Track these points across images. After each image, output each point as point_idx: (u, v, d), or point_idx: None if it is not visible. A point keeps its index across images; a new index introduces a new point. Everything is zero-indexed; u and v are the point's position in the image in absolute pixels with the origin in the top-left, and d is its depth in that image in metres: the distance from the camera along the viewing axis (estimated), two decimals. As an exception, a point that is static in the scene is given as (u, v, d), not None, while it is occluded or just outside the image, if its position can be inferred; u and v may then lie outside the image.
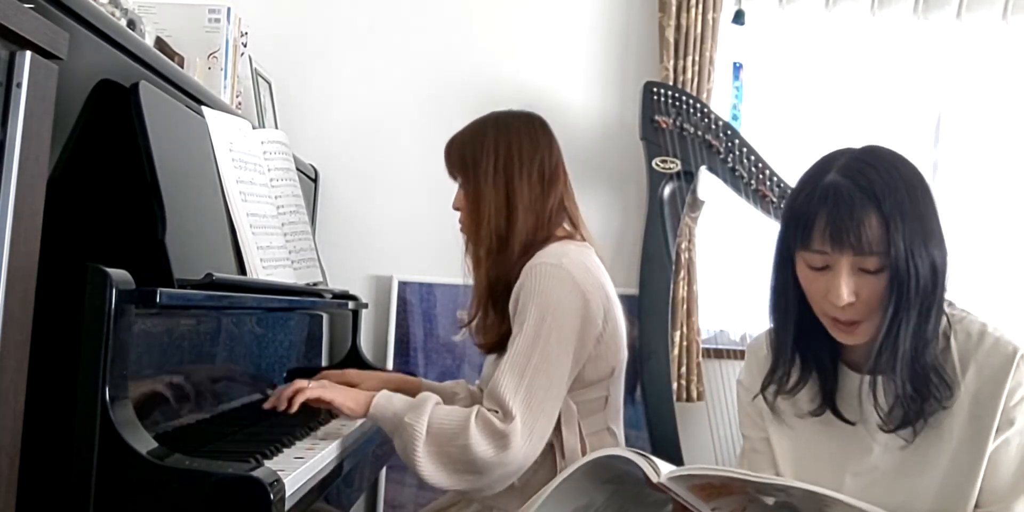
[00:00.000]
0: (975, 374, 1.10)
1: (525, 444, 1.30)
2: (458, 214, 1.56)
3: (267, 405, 1.36)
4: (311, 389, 1.36)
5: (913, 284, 1.05)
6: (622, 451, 1.00)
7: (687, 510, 1.04)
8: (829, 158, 1.12)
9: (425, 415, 1.30)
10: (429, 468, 1.30)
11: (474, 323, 1.54)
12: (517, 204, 1.48)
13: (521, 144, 1.50)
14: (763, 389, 1.21)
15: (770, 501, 1.02)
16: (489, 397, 1.34)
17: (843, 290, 1.05)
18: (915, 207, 1.06)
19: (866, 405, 1.14)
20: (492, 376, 1.51)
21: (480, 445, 1.28)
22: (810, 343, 1.16)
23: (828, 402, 1.17)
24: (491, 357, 1.56)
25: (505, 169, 1.49)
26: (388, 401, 1.35)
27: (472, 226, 1.52)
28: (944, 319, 1.11)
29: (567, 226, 1.54)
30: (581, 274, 1.41)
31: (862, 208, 1.04)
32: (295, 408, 1.35)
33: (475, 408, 1.33)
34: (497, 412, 1.31)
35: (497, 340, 1.49)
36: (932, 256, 1.06)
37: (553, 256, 1.42)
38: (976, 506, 1.10)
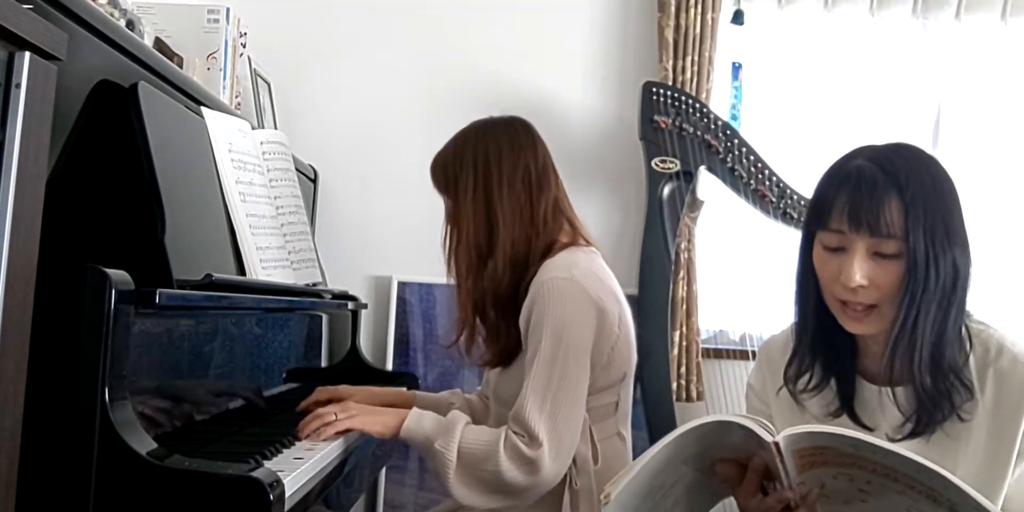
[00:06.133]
0: (993, 391, 1.08)
1: (553, 464, 1.31)
2: None
3: (303, 436, 1.34)
4: (340, 421, 1.34)
5: (933, 277, 1.03)
6: (733, 417, 0.99)
7: (761, 485, 1.03)
8: (859, 149, 1.13)
9: (455, 440, 1.30)
10: (462, 491, 1.30)
11: (461, 342, 1.51)
12: (498, 218, 1.44)
13: (501, 153, 1.46)
14: (786, 381, 1.19)
15: (863, 478, 0.99)
16: (514, 421, 1.33)
17: (855, 270, 1.05)
18: (940, 202, 1.06)
19: (880, 415, 1.14)
20: (497, 386, 1.51)
21: (511, 471, 1.29)
22: (829, 347, 1.15)
23: (846, 407, 1.16)
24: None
25: (485, 182, 1.45)
26: (418, 424, 1.34)
27: (453, 243, 1.50)
28: (964, 330, 1.09)
29: (567, 230, 1.50)
30: (593, 284, 1.38)
31: (884, 190, 1.04)
32: (323, 437, 1.33)
33: (503, 431, 1.32)
34: (524, 437, 1.31)
35: (497, 356, 1.48)
36: (954, 255, 1.05)
37: (562, 269, 1.38)
38: None
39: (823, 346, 1.16)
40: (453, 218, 1.50)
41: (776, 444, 0.95)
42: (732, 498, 1.11)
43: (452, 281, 1.52)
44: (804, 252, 1.14)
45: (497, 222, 1.44)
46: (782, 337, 1.26)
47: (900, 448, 0.91)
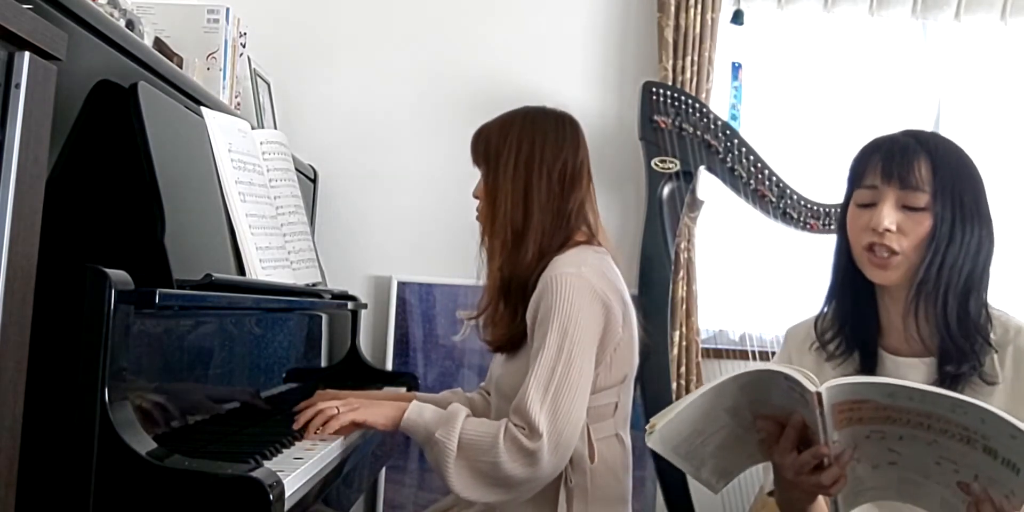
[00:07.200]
0: (1012, 367, 1.16)
1: (552, 458, 1.31)
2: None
3: (296, 427, 1.35)
4: (343, 414, 1.35)
5: (958, 236, 1.14)
6: (779, 366, 1.03)
7: (797, 445, 1.06)
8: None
9: (456, 430, 1.31)
10: (461, 482, 1.31)
11: (483, 317, 1.54)
12: (534, 201, 1.47)
13: (545, 142, 1.49)
14: (818, 336, 1.27)
15: (895, 434, 1.01)
16: (516, 413, 1.33)
17: (884, 215, 1.14)
18: (967, 174, 1.16)
19: None
20: (500, 377, 1.51)
21: (509, 463, 1.29)
22: (855, 316, 1.23)
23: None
24: (499, 357, 1.55)
25: (526, 165, 1.48)
26: (419, 415, 1.35)
27: (488, 217, 1.51)
28: (984, 313, 1.18)
29: (586, 231, 1.52)
30: (600, 282, 1.40)
31: (915, 151, 1.16)
32: (329, 432, 1.34)
33: (503, 424, 1.32)
34: (524, 429, 1.31)
35: (506, 338, 1.49)
36: (980, 232, 1.15)
37: (572, 264, 1.40)
38: None
39: (851, 316, 1.24)
40: (490, 190, 1.51)
41: (819, 394, 0.99)
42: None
43: (484, 256, 1.54)
44: (841, 219, 1.23)
45: (532, 205, 1.47)
46: (804, 325, 1.32)
47: (934, 387, 0.95)
